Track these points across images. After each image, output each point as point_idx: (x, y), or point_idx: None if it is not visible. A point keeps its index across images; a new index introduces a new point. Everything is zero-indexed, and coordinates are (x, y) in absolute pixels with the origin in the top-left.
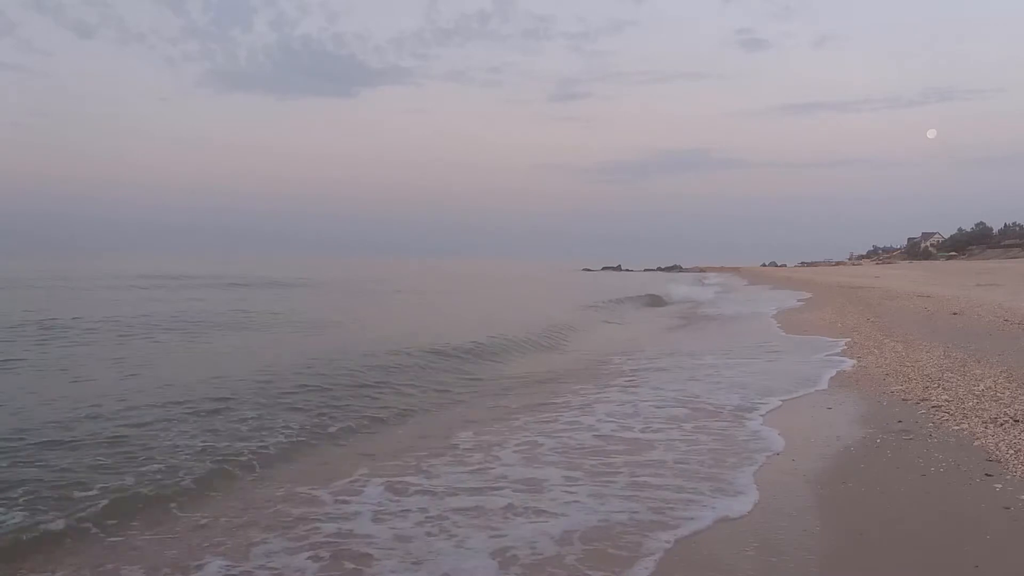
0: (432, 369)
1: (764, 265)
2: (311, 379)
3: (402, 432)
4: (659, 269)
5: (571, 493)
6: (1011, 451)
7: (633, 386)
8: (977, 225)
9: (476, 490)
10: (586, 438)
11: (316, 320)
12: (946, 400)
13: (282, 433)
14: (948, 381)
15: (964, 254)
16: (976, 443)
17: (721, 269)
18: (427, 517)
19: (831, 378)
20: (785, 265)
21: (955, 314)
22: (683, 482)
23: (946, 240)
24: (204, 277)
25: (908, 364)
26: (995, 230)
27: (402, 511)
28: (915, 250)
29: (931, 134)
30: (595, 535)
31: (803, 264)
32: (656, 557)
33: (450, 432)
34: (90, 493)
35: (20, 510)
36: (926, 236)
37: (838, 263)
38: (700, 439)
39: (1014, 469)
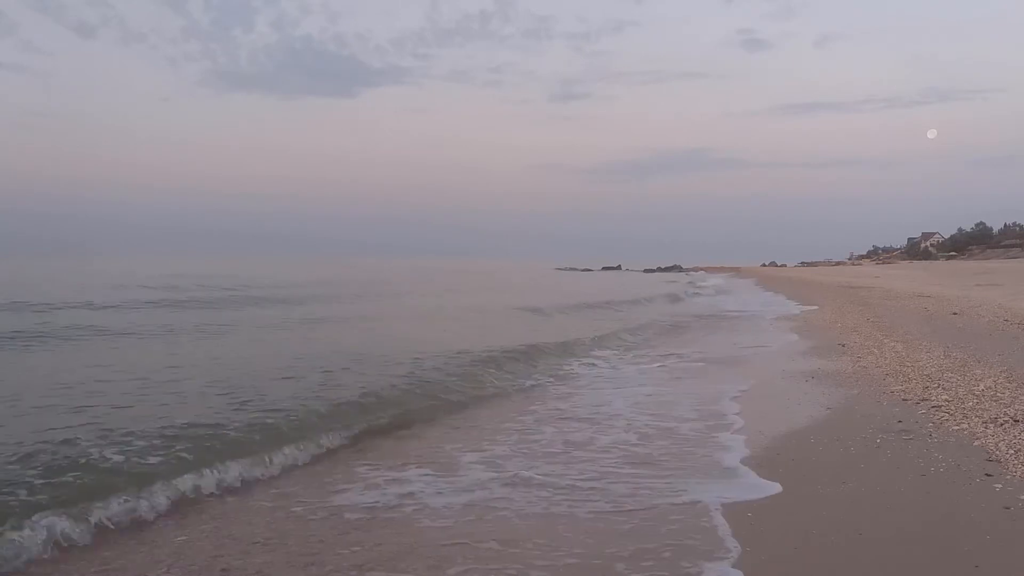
0: None
1: (764, 265)
2: None
3: None
4: (659, 269)
5: None
6: (1011, 451)
7: None
8: (977, 225)
9: None
10: None
11: None
12: (946, 400)
13: None
14: (948, 381)
15: (964, 254)
16: (976, 443)
17: (721, 269)
18: None
19: (830, 377)
20: (785, 265)
21: (955, 314)
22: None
23: (946, 240)
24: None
25: (908, 364)
26: (995, 230)
27: None
28: (915, 250)
29: (931, 134)
30: None
31: (803, 264)
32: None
33: None
34: None
35: None
36: (926, 236)
37: (838, 263)
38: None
39: (1014, 469)
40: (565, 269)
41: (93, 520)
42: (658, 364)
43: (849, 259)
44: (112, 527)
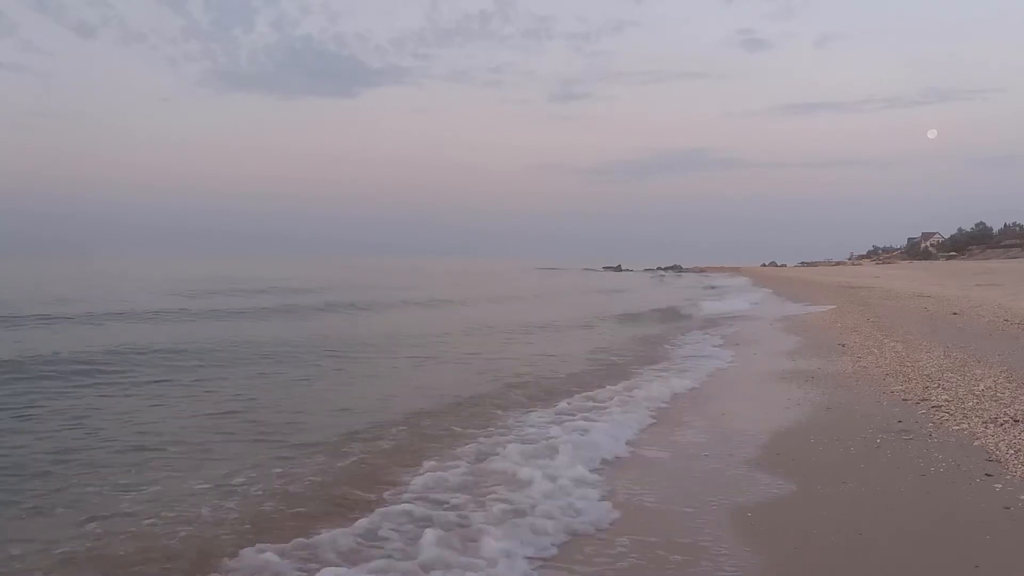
0: None
1: (764, 265)
2: None
3: None
4: (659, 269)
5: None
6: (1011, 451)
7: None
8: (977, 225)
9: None
10: None
11: None
12: (946, 400)
13: None
14: (948, 381)
15: (964, 254)
16: (976, 443)
17: (721, 269)
18: None
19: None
20: (785, 265)
21: (955, 314)
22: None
23: (946, 240)
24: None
25: (908, 364)
26: (995, 230)
27: None
28: (915, 250)
29: (931, 134)
30: None
31: (803, 264)
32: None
33: None
34: None
35: None
36: (926, 236)
37: (838, 263)
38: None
39: (1014, 469)
40: (592, 270)
41: None
42: (658, 365)
43: (849, 259)
44: None
